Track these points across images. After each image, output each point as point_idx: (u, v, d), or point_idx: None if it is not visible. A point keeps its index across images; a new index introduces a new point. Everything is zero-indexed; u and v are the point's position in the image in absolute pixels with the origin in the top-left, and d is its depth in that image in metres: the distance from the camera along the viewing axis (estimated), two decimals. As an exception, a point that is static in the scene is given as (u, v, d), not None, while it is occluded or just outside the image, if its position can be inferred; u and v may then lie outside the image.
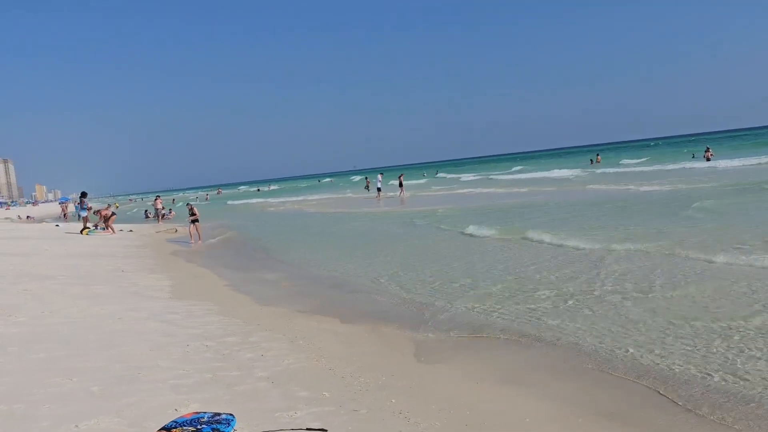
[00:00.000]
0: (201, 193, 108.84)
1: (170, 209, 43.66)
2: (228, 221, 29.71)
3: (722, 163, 35.08)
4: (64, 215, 40.44)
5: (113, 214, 25.11)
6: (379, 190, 40.26)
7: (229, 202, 60.28)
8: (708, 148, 42.78)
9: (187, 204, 24.96)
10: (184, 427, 3.86)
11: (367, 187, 48.29)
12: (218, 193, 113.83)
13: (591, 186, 30.25)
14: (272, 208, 41.23)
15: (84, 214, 23.97)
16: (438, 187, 46.19)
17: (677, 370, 5.03)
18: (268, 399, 4.66)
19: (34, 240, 20.12)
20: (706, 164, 37.27)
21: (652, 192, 22.64)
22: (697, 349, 5.44)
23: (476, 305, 7.85)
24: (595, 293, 7.77)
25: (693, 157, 47.26)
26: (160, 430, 3.83)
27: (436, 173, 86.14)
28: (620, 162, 55.88)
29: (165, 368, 5.38)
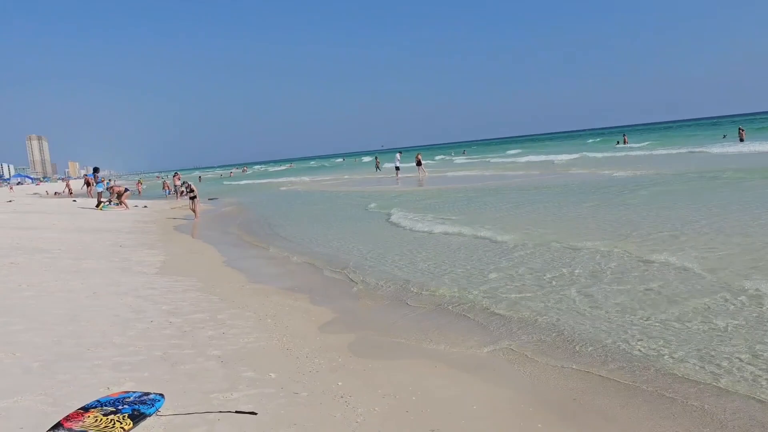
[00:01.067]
0: (225, 172, 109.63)
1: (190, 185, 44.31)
2: (240, 198, 29.79)
3: (745, 147, 33.26)
4: (69, 191, 39.80)
5: (126, 190, 25.35)
6: (397, 169, 39.85)
7: (245, 182, 60.53)
8: (741, 129, 41.21)
9: (184, 182, 25.10)
10: (105, 407, 3.72)
11: (377, 167, 48.08)
12: (243, 171, 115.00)
13: (572, 170, 29.25)
14: (284, 188, 41.05)
15: (100, 189, 24.18)
16: (430, 169, 45.43)
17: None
18: (209, 379, 4.50)
19: (46, 214, 20.37)
20: (737, 145, 35.70)
21: (617, 177, 21.64)
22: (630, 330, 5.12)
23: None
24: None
25: (724, 137, 45.80)
26: (78, 409, 3.68)
27: (463, 152, 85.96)
28: (644, 144, 54.34)
29: (117, 345, 5.26)
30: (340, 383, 4.49)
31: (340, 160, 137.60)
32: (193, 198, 19.51)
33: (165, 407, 3.82)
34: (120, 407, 3.69)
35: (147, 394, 3.95)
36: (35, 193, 47.95)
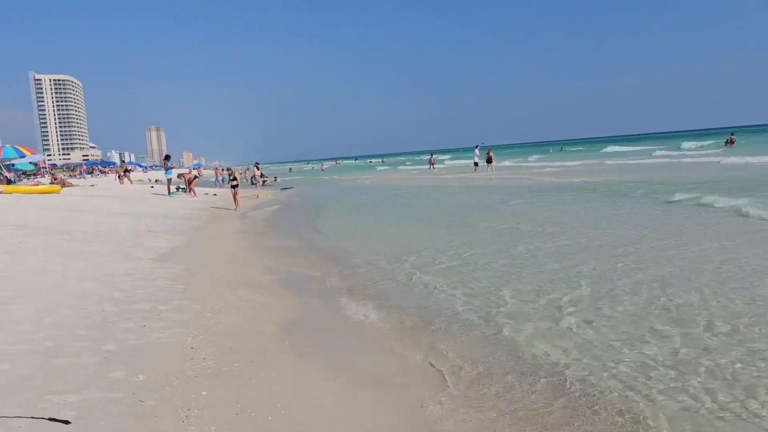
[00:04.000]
0: (317, 165, 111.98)
1: (275, 177, 45.94)
2: (311, 189, 29.93)
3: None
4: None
5: (196, 177, 26.08)
6: (476, 164, 38.83)
7: (333, 177, 61.28)
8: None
9: (227, 168, 25.44)
10: None
11: (431, 166, 49.35)
12: (337, 164, 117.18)
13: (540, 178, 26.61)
14: (367, 181, 40.99)
15: (170, 176, 25.07)
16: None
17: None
18: (66, 378, 4.06)
19: (112, 198, 21.31)
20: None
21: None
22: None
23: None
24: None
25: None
26: None
27: (561, 149, 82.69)
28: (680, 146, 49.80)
29: (15, 332, 4.98)
30: (204, 393, 3.93)
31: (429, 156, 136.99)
32: (234, 186, 19.47)
33: (-24, 407, 3.42)
34: None
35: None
36: (140, 180, 51.00)
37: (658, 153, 44.50)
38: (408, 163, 77.85)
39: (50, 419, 3.39)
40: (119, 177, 37.04)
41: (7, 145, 24.79)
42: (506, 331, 5.40)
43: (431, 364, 4.73)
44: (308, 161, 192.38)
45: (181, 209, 19.00)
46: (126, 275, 7.77)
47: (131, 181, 36.03)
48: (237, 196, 19.43)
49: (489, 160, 35.62)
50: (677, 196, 14.01)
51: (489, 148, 37.28)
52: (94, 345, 4.79)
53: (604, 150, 59.60)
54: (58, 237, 10.61)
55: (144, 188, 30.36)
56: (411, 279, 7.84)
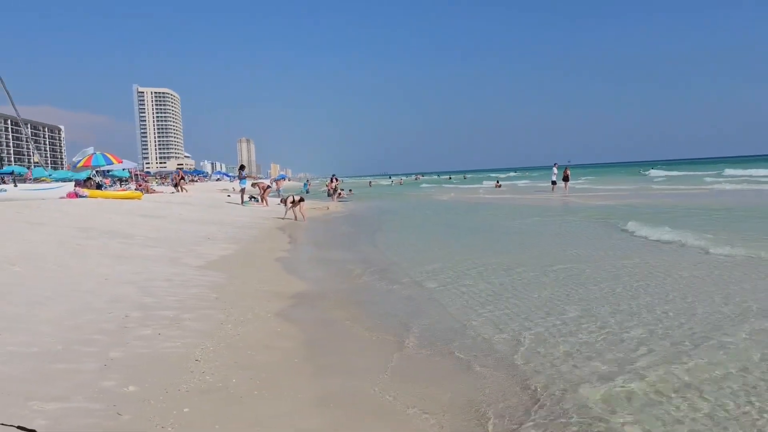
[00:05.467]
0: (396, 179, 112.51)
1: (350, 189, 46.84)
2: (380, 203, 29.88)
3: None
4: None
5: (268, 187, 26.67)
6: (553, 183, 37.61)
7: (409, 192, 61.35)
8: None
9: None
10: None
11: (497, 185, 51.68)
12: (416, 179, 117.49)
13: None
14: (440, 197, 40.68)
15: (243, 185, 25.77)
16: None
17: None
18: (57, 384, 4.00)
19: (187, 206, 22.10)
20: None
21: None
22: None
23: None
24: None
25: None
26: None
27: (649, 170, 78.99)
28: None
29: (31, 332, 5.03)
30: (186, 410, 3.75)
31: (513, 173, 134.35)
32: (296, 201, 19.67)
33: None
34: None
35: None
36: (224, 189, 53.04)
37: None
38: (484, 181, 76.67)
39: (18, 427, 3.30)
40: (176, 185, 36.36)
41: (97, 153, 26.39)
42: None
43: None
44: (390, 175, 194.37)
45: (248, 218, 19.40)
46: (165, 281, 7.85)
47: (186, 190, 35.20)
48: (302, 209, 19.65)
49: (566, 179, 34.47)
50: None
51: (566, 167, 35.96)
52: (101, 351, 4.75)
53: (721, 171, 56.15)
54: (118, 240, 10.98)
55: (220, 196, 31.41)
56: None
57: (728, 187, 32.36)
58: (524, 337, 5.58)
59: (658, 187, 37.62)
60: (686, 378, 4.37)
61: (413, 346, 5.50)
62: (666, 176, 56.77)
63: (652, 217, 15.82)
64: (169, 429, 3.46)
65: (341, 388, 4.46)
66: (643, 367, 4.60)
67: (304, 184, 60.57)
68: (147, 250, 10.30)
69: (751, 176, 45.72)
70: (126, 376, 4.25)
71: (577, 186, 43.06)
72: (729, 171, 55.82)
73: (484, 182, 66.86)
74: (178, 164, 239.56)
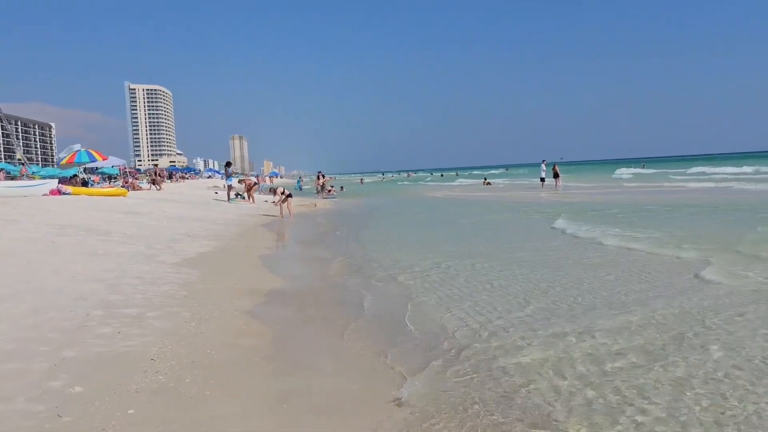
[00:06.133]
0: (388, 175, 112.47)
1: (341, 187, 46.70)
2: (368, 200, 29.79)
3: None
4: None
5: (255, 183, 26.50)
6: (542, 179, 37.69)
7: (400, 188, 61.36)
8: None
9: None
10: None
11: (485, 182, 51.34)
12: (408, 176, 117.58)
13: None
14: (428, 194, 40.67)
15: (230, 182, 25.61)
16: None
17: None
18: (3, 385, 3.90)
19: (172, 203, 21.93)
20: None
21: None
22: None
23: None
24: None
25: None
26: None
27: (643, 166, 79.03)
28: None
29: (-14, 331, 4.91)
30: (131, 411, 3.64)
31: (504, 170, 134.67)
32: (287, 196, 19.49)
33: None
34: None
35: None
36: (214, 186, 52.77)
37: None
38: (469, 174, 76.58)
39: (-48, 430, 3.19)
40: (153, 182, 34.53)
41: (81, 149, 26.14)
42: None
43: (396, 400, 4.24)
44: (383, 173, 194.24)
45: (233, 215, 19.26)
46: (136, 278, 7.72)
47: (161, 188, 33.34)
48: (289, 206, 19.48)
49: (555, 175, 34.61)
50: None
51: (554, 164, 35.98)
52: (55, 351, 4.63)
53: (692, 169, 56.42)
54: (94, 237, 10.83)
55: (208, 193, 31.23)
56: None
57: (693, 185, 32.81)
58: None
59: (628, 185, 37.90)
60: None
61: (379, 345, 5.42)
62: (633, 174, 57.36)
63: (582, 215, 16.33)
64: (109, 431, 3.36)
65: (301, 387, 4.36)
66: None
67: (297, 182, 60.52)
68: (123, 248, 10.17)
69: (717, 173, 46.29)
70: (75, 376, 4.14)
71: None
72: (699, 169, 56.21)
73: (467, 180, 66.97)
74: (170, 161, 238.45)
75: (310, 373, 4.70)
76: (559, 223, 14.41)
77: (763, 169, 46.78)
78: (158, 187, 32.79)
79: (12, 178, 32.80)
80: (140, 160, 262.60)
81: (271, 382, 4.44)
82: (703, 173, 49.02)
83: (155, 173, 38.18)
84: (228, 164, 26.43)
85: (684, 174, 50.55)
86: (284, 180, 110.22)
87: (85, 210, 15.52)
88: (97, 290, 6.80)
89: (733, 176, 40.94)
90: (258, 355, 5.02)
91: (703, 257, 8.75)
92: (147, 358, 4.65)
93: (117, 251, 9.76)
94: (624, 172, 61.31)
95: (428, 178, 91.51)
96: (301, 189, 47.66)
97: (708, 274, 7.57)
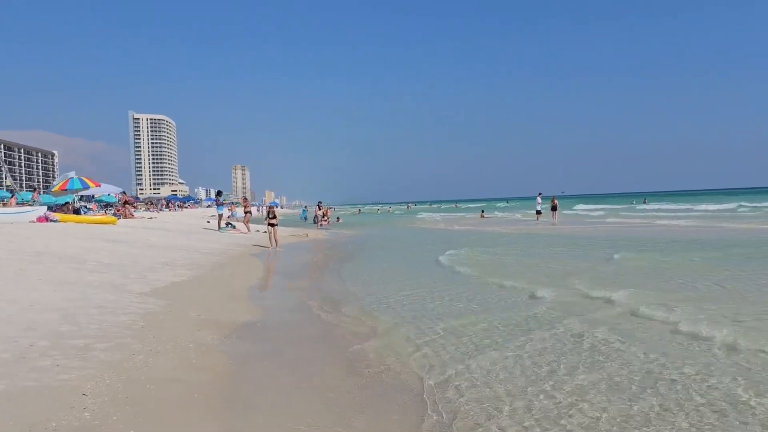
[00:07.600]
0: (384, 207, 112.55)
1: (338, 218, 46.50)
2: (362, 231, 29.54)
3: None
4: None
5: (248, 213, 26.30)
6: (538, 212, 37.64)
7: (397, 220, 61.23)
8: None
9: (269, 205, 25.54)
10: None
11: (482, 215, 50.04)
12: (408, 207, 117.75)
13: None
14: (423, 225, 40.46)
15: (221, 211, 25.45)
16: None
17: None
18: None
19: (160, 231, 21.73)
20: None
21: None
22: None
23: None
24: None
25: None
26: None
27: (644, 200, 78.79)
28: None
29: None
30: (40, 453, 3.36)
31: (505, 203, 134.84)
32: (272, 225, 19.20)
33: None
34: None
35: None
36: (211, 216, 52.60)
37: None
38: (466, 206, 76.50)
39: None
40: (117, 211, 31.70)
41: (74, 177, 26.06)
42: None
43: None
44: (380, 204, 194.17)
45: (219, 245, 19.01)
46: (97, 308, 7.46)
47: (131, 216, 31.24)
48: (276, 235, 19.22)
49: (554, 208, 34.58)
50: None
51: (554, 197, 35.89)
52: (-18, 384, 4.36)
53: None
54: (66, 265, 10.59)
55: (198, 223, 31.04)
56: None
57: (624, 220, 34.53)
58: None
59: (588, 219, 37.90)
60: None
61: (336, 383, 5.14)
62: (587, 210, 57.65)
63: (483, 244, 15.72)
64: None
65: (242, 428, 4.08)
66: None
67: (303, 211, 60.00)
68: (93, 276, 9.92)
69: (660, 210, 48.35)
70: (-6, 410, 3.86)
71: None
72: (645, 206, 57.63)
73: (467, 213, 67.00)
74: (172, 190, 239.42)
75: (256, 413, 4.42)
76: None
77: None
78: (123, 216, 30.11)
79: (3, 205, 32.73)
80: (142, 189, 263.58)
81: (209, 422, 4.15)
82: (645, 210, 50.45)
83: (123, 202, 34.87)
84: (219, 193, 26.31)
85: (631, 209, 52.02)
86: (285, 210, 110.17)
87: (67, 237, 15.31)
88: (50, 320, 6.53)
89: (670, 213, 41.98)
90: (201, 392, 4.73)
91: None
92: (79, 393, 4.37)
93: (87, 279, 9.51)
94: (579, 208, 61.37)
95: (421, 211, 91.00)
96: (306, 219, 47.56)
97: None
